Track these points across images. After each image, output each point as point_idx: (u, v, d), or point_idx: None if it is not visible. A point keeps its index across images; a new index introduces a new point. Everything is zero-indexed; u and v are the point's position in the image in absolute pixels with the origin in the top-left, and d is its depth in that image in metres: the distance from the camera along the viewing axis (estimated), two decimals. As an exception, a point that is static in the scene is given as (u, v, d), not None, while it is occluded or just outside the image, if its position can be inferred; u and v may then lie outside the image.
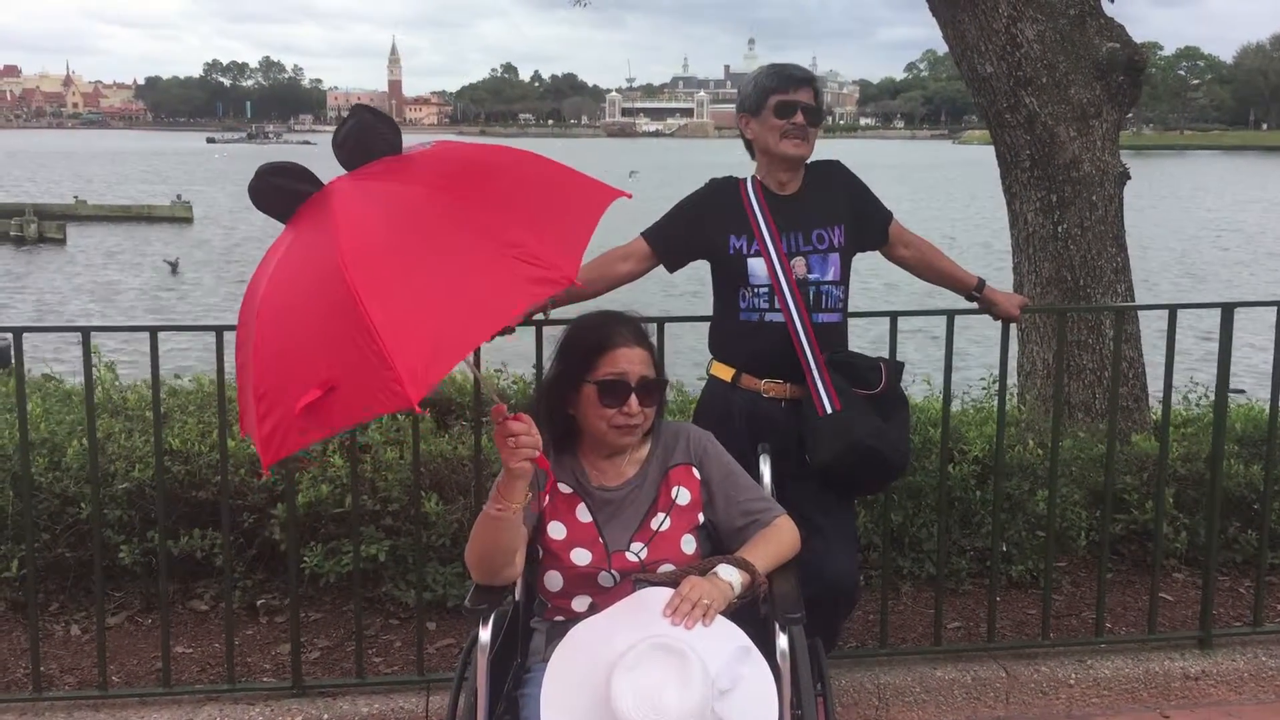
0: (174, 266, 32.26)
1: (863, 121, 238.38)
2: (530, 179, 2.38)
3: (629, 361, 2.69)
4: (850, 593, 3.39)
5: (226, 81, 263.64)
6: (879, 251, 3.65)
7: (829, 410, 3.27)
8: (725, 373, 3.44)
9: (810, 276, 3.36)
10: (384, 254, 2.08)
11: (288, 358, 2.09)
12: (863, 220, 3.51)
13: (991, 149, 5.35)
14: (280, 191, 2.34)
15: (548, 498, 2.72)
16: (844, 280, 3.44)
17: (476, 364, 3.33)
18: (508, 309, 2.15)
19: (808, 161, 3.51)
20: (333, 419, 2.03)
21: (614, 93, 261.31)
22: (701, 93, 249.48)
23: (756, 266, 3.35)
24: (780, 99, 3.38)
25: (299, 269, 2.19)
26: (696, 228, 3.46)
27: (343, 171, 2.37)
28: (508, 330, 2.60)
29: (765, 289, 3.34)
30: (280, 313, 2.15)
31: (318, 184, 2.33)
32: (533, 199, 2.32)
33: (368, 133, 2.36)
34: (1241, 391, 4.12)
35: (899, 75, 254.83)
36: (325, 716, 3.61)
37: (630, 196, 2.55)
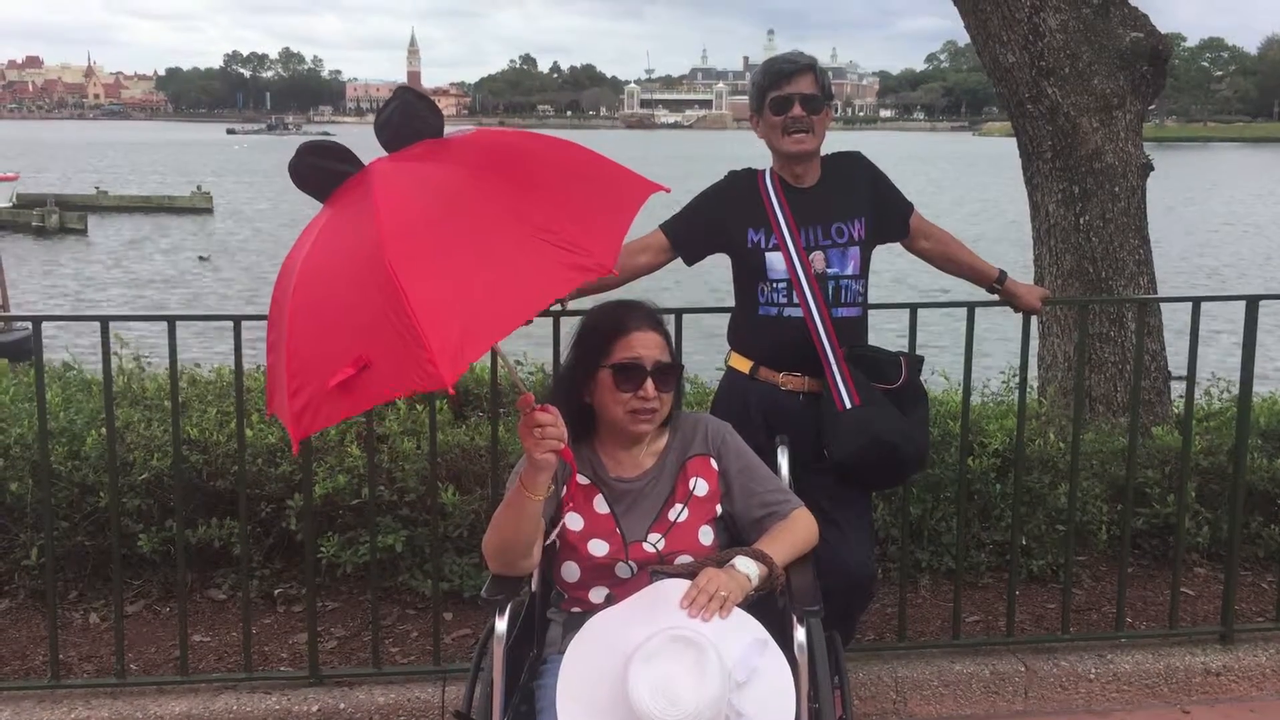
0: (206, 260, 32.84)
1: (883, 113, 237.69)
2: (570, 168, 2.36)
3: (644, 346, 2.68)
4: (866, 585, 3.38)
5: (246, 73, 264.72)
6: (899, 243, 3.62)
7: (848, 406, 3.24)
8: (743, 365, 3.42)
9: (829, 271, 3.33)
10: (422, 233, 2.08)
11: (322, 334, 2.09)
12: (883, 213, 3.48)
13: (1013, 140, 5.31)
14: (319, 171, 2.34)
15: (565, 488, 2.72)
16: (864, 274, 3.41)
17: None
18: (545, 294, 2.16)
19: (827, 154, 3.48)
20: (365, 396, 2.04)
21: (632, 84, 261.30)
22: (720, 84, 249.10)
23: (775, 261, 3.32)
24: (774, 95, 3.34)
25: (335, 247, 2.19)
26: (714, 221, 3.44)
27: (383, 153, 2.37)
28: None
29: (784, 284, 3.32)
30: (316, 290, 2.14)
31: (358, 164, 2.32)
32: (573, 187, 2.31)
33: (410, 114, 2.34)
34: (1181, 378, 4.07)
35: (919, 66, 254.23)
36: (342, 706, 3.62)
37: (669, 190, 2.54)
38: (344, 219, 2.24)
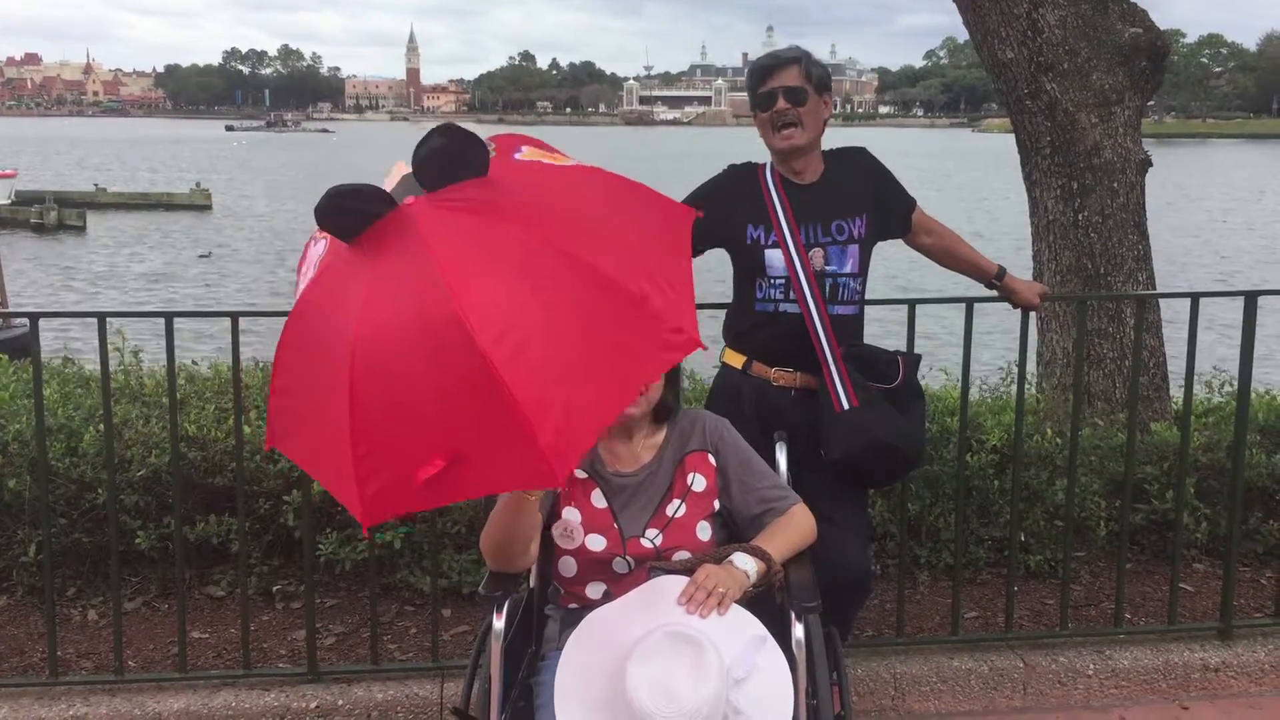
0: (206, 258, 33.03)
1: (881, 110, 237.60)
2: (620, 207, 2.26)
3: None
4: (862, 582, 3.37)
5: (245, 69, 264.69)
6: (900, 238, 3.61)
7: (845, 406, 3.23)
8: (736, 360, 3.42)
9: (828, 268, 3.31)
10: (505, 308, 1.93)
11: (399, 417, 1.95)
12: (886, 209, 3.47)
13: (1011, 137, 5.30)
14: (351, 213, 2.13)
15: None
16: (863, 271, 3.39)
17: None
18: (642, 376, 2.11)
19: (831, 149, 3.46)
20: (458, 489, 1.95)
21: (632, 81, 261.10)
22: (719, 81, 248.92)
23: (774, 258, 3.31)
24: (759, 92, 3.32)
25: (398, 314, 1.99)
26: (714, 216, 3.41)
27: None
28: None
29: (782, 280, 3.30)
30: (384, 362, 1.97)
31: (391, 203, 2.13)
32: (628, 230, 2.20)
33: (454, 159, 2.16)
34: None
35: (918, 63, 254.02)
36: (340, 702, 3.62)
37: (701, 216, 2.46)
38: (396, 277, 2.03)
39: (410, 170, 2.20)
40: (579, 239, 2.09)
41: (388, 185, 2.22)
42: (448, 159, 2.15)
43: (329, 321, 2.08)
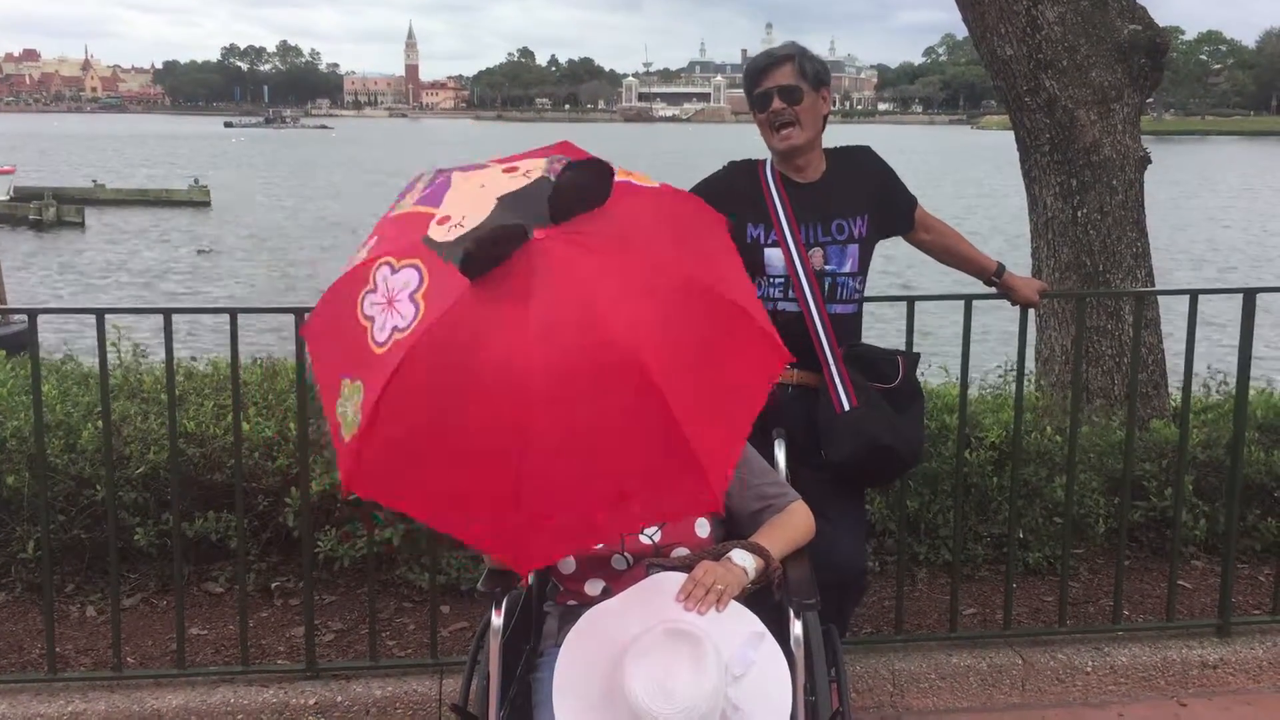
0: (205, 253, 33.09)
1: (880, 107, 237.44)
2: (695, 224, 2.35)
3: None
4: (858, 579, 3.37)
5: (244, 66, 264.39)
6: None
7: (846, 407, 3.23)
8: None
9: (827, 268, 3.30)
10: (666, 345, 1.99)
11: (572, 455, 1.96)
12: (888, 208, 3.46)
13: (1011, 134, 5.30)
14: (500, 260, 2.05)
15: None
16: (862, 271, 3.38)
17: None
18: (760, 385, 2.16)
19: (836, 147, 3.45)
20: (628, 522, 2.04)
21: (630, 77, 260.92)
22: (719, 77, 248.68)
23: (774, 257, 3.30)
24: (755, 93, 3.31)
25: (565, 354, 1.97)
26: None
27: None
28: None
29: (781, 279, 3.29)
30: (554, 402, 1.95)
31: (526, 237, 2.08)
32: (718, 250, 2.32)
33: (588, 194, 2.15)
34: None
35: (917, 60, 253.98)
36: (339, 699, 3.62)
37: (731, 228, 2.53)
38: (555, 316, 2.00)
39: (504, 193, 2.17)
40: (691, 262, 2.17)
41: (471, 211, 2.15)
42: (582, 193, 2.14)
43: (471, 360, 2.00)
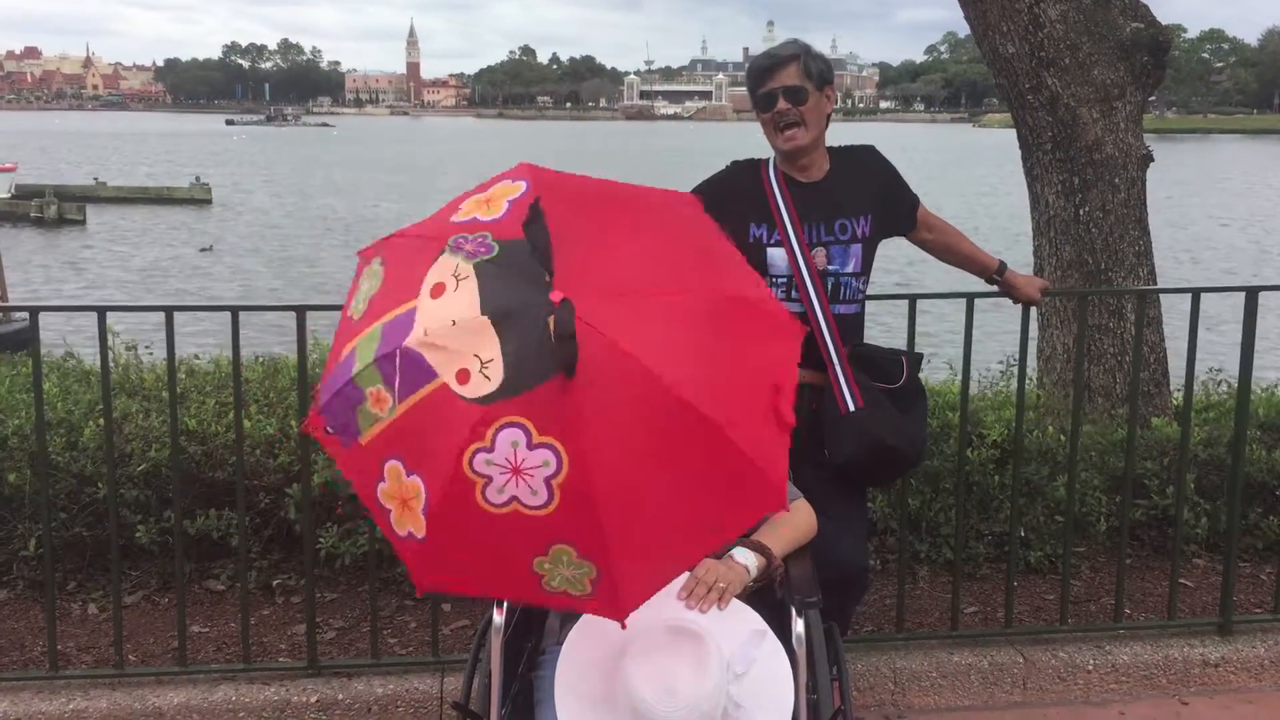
0: (207, 251, 33.16)
1: (882, 105, 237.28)
2: (679, 223, 2.47)
3: None
4: (859, 577, 3.36)
5: (245, 63, 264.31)
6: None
7: (851, 408, 3.22)
8: None
9: (830, 268, 3.29)
10: (700, 371, 2.04)
11: (660, 508, 2.03)
12: (891, 208, 3.44)
13: (1012, 132, 5.29)
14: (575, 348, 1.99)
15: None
16: (865, 270, 3.36)
17: None
18: (786, 375, 2.25)
19: (840, 145, 3.44)
20: (715, 541, 2.13)
21: (632, 75, 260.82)
22: (720, 75, 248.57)
23: (777, 257, 3.28)
24: (759, 93, 3.29)
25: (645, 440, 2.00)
26: (716, 214, 3.39)
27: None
28: None
29: (784, 279, 3.28)
30: (623, 469, 1.98)
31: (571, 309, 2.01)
32: (715, 243, 2.42)
33: (542, 243, 2.08)
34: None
35: (919, 58, 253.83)
36: (340, 696, 3.62)
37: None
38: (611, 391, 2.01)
39: (476, 308, 2.04)
40: (693, 263, 2.25)
41: (478, 348, 2.02)
42: (543, 250, 2.08)
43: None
